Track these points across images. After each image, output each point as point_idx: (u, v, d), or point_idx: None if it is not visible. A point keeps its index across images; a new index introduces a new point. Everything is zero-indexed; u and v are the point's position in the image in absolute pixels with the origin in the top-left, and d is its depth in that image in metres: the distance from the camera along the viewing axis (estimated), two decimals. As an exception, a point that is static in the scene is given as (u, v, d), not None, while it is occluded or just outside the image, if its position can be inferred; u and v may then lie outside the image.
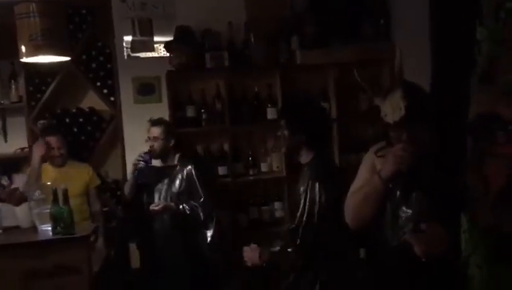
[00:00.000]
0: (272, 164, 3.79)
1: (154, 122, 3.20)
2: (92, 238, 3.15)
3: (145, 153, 3.17)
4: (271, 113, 3.70)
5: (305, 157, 2.37)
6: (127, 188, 3.26)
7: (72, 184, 3.11)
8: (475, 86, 0.91)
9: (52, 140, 3.31)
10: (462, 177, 0.93)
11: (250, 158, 3.75)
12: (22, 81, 3.65)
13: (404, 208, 1.74)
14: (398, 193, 1.75)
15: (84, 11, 3.71)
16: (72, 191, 3.10)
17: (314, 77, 3.79)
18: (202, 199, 3.07)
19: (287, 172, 3.67)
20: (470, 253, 0.97)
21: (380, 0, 3.70)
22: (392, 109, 1.70)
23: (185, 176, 3.14)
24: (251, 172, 3.72)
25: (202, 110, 3.65)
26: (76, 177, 3.35)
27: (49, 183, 2.94)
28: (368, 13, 3.65)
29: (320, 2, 3.64)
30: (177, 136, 3.26)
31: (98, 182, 3.49)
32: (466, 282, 0.97)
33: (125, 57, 3.74)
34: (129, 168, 3.37)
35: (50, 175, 3.26)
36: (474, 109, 0.92)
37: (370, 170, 1.82)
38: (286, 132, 2.36)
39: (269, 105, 3.70)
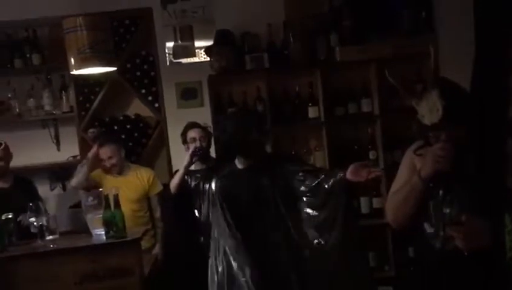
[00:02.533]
0: (315, 162, 3.77)
1: (192, 125, 3.25)
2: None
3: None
4: (312, 112, 3.70)
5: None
6: (173, 184, 3.22)
7: (129, 190, 3.22)
8: None
9: (102, 151, 3.36)
10: (503, 177, 0.91)
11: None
12: (72, 92, 3.82)
13: (446, 207, 1.71)
14: (440, 191, 1.73)
15: (127, 22, 3.84)
16: (129, 197, 3.23)
17: (355, 73, 3.75)
18: None
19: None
20: None
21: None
22: (429, 110, 1.67)
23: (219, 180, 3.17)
24: (295, 172, 3.72)
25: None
26: (135, 184, 3.36)
27: (101, 189, 3.06)
28: (408, 6, 3.57)
29: (357, -3, 3.59)
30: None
31: (159, 188, 3.46)
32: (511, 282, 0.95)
33: (168, 64, 3.84)
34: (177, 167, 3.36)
35: (109, 184, 3.30)
36: None
37: (410, 170, 1.80)
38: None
39: (310, 104, 3.70)
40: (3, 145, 3.19)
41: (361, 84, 3.74)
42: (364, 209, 3.75)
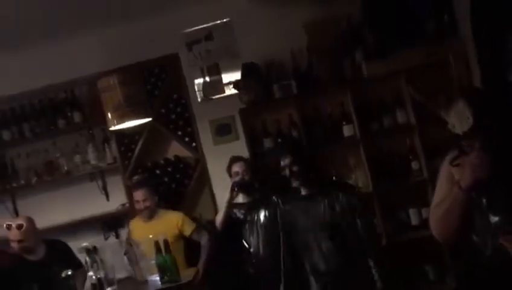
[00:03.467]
0: (358, 181, 3.74)
1: (236, 159, 3.33)
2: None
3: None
4: (347, 130, 3.68)
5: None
6: (218, 220, 3.30)
7: (160, 236, 3.21)
8: None
9: (137, 194, 3.50)
10: None
11: (334, 178, 3.74)
12: (113, 144, 3.98)
13: (492, 216, 1.66)
14: (483, 200, 1.68)
15: (157, 70, 3.99)
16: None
17: (385, 86, 3.72)
18: None
19: (373, 187, 3.62)
20: None
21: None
22: (459, 119, 1.65)
23: (271, 208, 3.20)
24: (337, 192, 3.70)
25: (279, 140, 3.73)
26: (165, 228, 3.39)
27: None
28: (430, 12, 3.53)
29: (375, 11, 3.59)
30: (260, 170, 3.36)
31: (192, 226, 3.56)
32: None
33: (199, 103, 3.94)
34: (220, 203, 3.42)
35: (139, 230, 3.44)
36: None
37: (449, 181, 1.76)
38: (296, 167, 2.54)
39: (344, 122, 3.69)
40: (24, 226, 3.13)
41: (393, 96, 3.71)
42: (414, 220, 3.67)
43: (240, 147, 3.69)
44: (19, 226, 3.11)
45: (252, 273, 3.16)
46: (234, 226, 3.29)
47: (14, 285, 2.48)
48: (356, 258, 2.53)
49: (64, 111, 4.01)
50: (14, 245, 3.13)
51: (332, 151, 3.76)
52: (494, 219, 1.67)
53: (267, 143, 3.75)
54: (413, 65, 3.43)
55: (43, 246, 3.19)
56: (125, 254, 3.50)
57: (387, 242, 3.55)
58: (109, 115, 3.18)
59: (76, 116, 3.99)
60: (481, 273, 1.78)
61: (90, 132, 4.04)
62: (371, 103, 3.72)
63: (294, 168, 2.58)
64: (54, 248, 3.24)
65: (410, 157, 3.67)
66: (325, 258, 2.57)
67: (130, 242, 3.48)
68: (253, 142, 3.74)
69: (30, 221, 3.19)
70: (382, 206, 3.64)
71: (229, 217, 3.29)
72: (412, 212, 3.68)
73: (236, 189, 3.18)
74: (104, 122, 3.60)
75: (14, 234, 3.11)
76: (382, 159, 3.66)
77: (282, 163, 2.64)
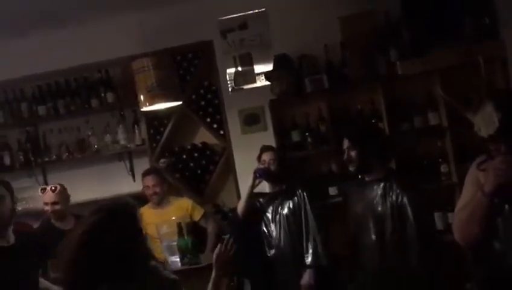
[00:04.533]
0: (383, 180, 3.69)
1: (267, 148, 3.35)
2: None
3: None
4: (377, 129, 3.64)
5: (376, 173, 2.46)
6: (240, 207, 3.32)
7: (170, 223, 3.28)
8: None
9: (146, 180, 3.55)
10: None
11: (359, 176, 3.70)
12: (143, 126, 4.05)
13: None
14: (506, 206, 1.67)
15: (190, 55, 4.03)
16: (172, 228, 3.27)
17: (418, 86, 3.66)
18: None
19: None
20: None
21: (483, -2, 3.47)
22: (485, 122, 1.65)
23: (296, 201, 3.22)
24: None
25: (307, 134, 3.72)
26: (174, 215, 3.41)
27: (173, 218, 3.20)
28: (471, 12, 3.44)
29: (414, 8, 3.52)
30: (287, 162, 3.36)
31: (201, 211, 3.61)
32: None
33: (230, 91, 3.97)
34: (243, 192, 3.44)
35: (148, 217, 3.37)
36: None
37: (474, 186, 1.75)
38: (353, 151, 2.46)
39: (374, 120, 3.65)
40: (58, 188, 3.24)
41: (426, 97, 3.64)
42: (439, 225, 3.61)
43: (268, 138, 3.69)
44: (54, 189, 3.24)
45: (272, 257, 3.19)
46: (257, 215, 3.31)
47: (43, 250, 2.58)
48: (398, 262, 2.41)
49: (98, 91, 4.10)
50: (48, 208, 3.24)
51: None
52: None
53: (295, 136, 3.75)
54: (448, 65, 3.36)
55: (73, 218, 3.26)
56: None
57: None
58: (141, 96, 3.24)
59: (109, 97, 4.07)
60: (503, 280, 1.75)
61: (122, 112, 4.12)
62: (403, 102, 3.66)
63: (352, 153, 2.54)
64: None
65: (440, 160, 3.61)
66: (367, 254, 2.52)
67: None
68: (280, 133, 3.74)
69: (63, 187, 3.32)
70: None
71: (252, 205, 3.31)
72: (437, 216, 3.61)
73: (257, 176, 3.20)
74: (136, 104, 3.68)
75: (49, 196, 3.23)
76: (411, 159, 3.61)
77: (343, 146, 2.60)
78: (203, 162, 4.02)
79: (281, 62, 3.74)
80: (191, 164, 4.00)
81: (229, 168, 3.98)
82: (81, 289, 1.63)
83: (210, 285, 2.03)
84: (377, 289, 2.49)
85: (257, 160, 3.36)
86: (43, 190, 3.26)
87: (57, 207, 3.24)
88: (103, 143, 4.12)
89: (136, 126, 4.10)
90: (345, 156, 2.58)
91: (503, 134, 1.63)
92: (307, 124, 3.76)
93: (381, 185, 2.48)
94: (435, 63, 3.46)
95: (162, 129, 4.06)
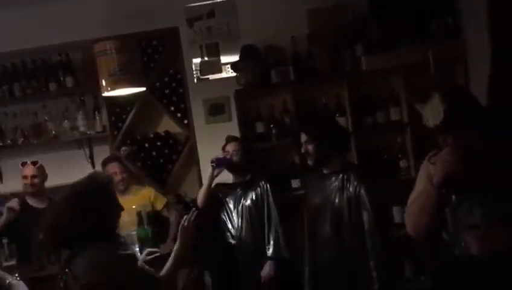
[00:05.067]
0: (345, 173, 3.74)
1: (232, 138, 3.32)
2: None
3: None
4: (340, 123, 3.66)
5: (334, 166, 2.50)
6: (200, 196, 3.30)
7: (130, 212, 3.19)
8: None
9: (111, 167, 3.51)
10: None
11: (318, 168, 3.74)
12: (104, 112, 3.94)
13: (462, 213, 1.70)
14: (453, 197, 1.71)
15: (155, 42, 3.94)
16: (132, 217, 3.23)
17: (383, 82, 3.72)
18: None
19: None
20: None
21: (447, -2, 3.55)
22: (432, 113, 1.69)
23: (258, 192, 3.22)
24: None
25: (271, 126, 3.72)
26: (135, 204, 3.39)
27: (134, 207, 3.14)
28: (436, 12, 3.52)
29: (381, 5, 3.57)
30: (252, 153, 3.35)
31: (163, 201, 3.62)
32: None
33: (195, 81, 3.91)
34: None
35: None
36: None
37: (426, 178, 1.79)
38: (311, 145, 2.49)
39: (338, 114, 3.68)
40: (39, 163, 3.40)
41: (389, 93, 3.71)
42: (397, 218, 3.69)
43: (232, 129, 3.66)
44: (34, 163, 3.40)
45: (233, 248, 3.18)
46: (219, 205, 3.30)
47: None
48: (355, 254, 2.44)
49: (57, 74, 3.95)
50: (27, 181, 3.35)
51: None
52: (465, 216, 1.70)
53: (259, 127, 3.73)
54: (412, 63, 3.42)
55: (47, 200, 3.33)
56: None
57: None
58: (103, 80, 3.14)
59: (69, 81, 3.93)
60: (452, 271, 1.81)
61: (82, 98, 3.99)
62: (367, 97, 3.71)
63: (310, 147, 2.55)
64: None
65: (400, 155, 3.68)
66: (323, 246, 2.54)
67: None
68: (245, 124, 3.72)
69: (41, 164, 3.46)
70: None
71: (214, 196, 3.29)
72: (396, 210, 3.69)
73: (214, 165, 3.18)
74: (97, 90, 3.58)
75: (29, 169, 3.37)
76: (372, 154, 3.66)
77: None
78: (166, 151, 3.95)
79: (247, 53, 3.72)
80: (154, 153, 3.93)
81: (192, 158, 3.93)
82: (64, 247, 1.84)
83: (172, 255, 2.11)
84: (332, 280, 2.52)
85: (222, 150, 3.34)
86: (24, 164, 3.37)
87: (36, 181, 3.36)
88: (61, 129, 3.98)
89: (96, 112, 3.98)
90: (303, 150, 2.60)
91: (449, 125, 1.66)
92: (272, 116, 3.76)
93: (339, 177, 2.51)
94: (399, 60, 3.51)
95: (124, 116, 3.97)
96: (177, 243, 2.13)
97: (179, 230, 2.14)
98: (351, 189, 2.47)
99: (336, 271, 2.50)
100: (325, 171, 2.59)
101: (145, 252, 2.30)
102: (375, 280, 2.36)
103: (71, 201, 1.86)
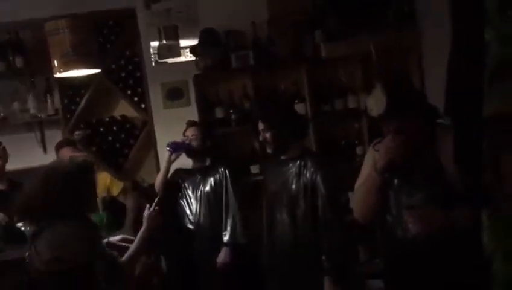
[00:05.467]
0: (303, 159, 3.78)
1: (192, 123, 3.28)
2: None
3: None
4: (299, 109, 3.68)
5: (292, 153, 2.52)
6: (157, 182, 3.26)
7: None
8: (487, 85, 0.92)
9: (66, 150, 3.40)
10: (480, 175, 0.94)
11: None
12: (56, 95, 3.79)
13: (403, 196, 1.80)
14: (395, 181, 1.81)
15: (111, 23, 3.82)
16: None
17: (342, 70, 3.76)
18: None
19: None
20: (493, 249, 0.98)
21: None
22: (375, 103, 1.77)
23: (217, 178, 3.20)
24: (283, 169, 3.73)
25: (231, 111, 3.69)
26: None
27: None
28: (392, 1, 3.58)
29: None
30: (213, 139, 3.32)
31: (120, 186, 3.54)
32: (491, 278, 0.98)
33: (153, 64, 3.82)
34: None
35: None
36: (488, 108, 0.93)
37: (371, 165, 1.88)
38: (268, 133, 2.50)
39: (297, 101, 3.70)
40: (2, 145, 3.28)
41: (347, 80, 3.76)
42: (352, 203, 3.77)
43: (191, 114, 3.61)
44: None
45: (191, 233, 3.16)
46: (178, 191, 3.26)
47: None
48: (311, 239, 2.46)
49: (6, 54, 3.76)
50: None
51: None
52: (405, 199, 1.80)
53: (219, 112, 3.70)
54: (370, 51, 3.47)
55: (7, 182, 3.26)
56: None
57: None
58: (55, 61, 3.01)
59: (19, 61, 3.75)
60: (396, 251, 1.91)
61: (32, 79, 3.82)
62: (325, 84, 3.75)
63: (268, 135, 2.54)
64: (16, 182, 3.26)
65: (357, 142, 3.76)
66: (280, 231, 2.56)
67: None
68: (204, 109, 3.67)
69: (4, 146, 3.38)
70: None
71: (173, 181, 3.25)
72: (351, 195, 3.77)
73: (169, 150, 3.14)
74: (48, 71, 3.42)
75: None
76: (330, 141, 3.72)
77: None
78: (122, 135, 3.87)
79: (207, 37, 3.66)
80: (109, 138, 3.84)
81: (150, 143, 3.86)
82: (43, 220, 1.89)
83: (136, 241, 2.14)
84: (289, 265, 2.54)
85: (182, 135, 3.29)
86: None
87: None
88: (10, 111, 3.80)
89: (48, 95, 3.83)
90: (261, 138, 2.60)
91: (391, 113, 1.75)
92: (231, 101, 3.73)
93: (297, 163, 2.53)
94: (358, 48, 3.56)
95: (77, 99, 3.84)
96: (143, 229, 2.15)
97: (146, 217, 2.16)
98: (307, 175, 2.49)
99: (292, 256, 2.52)
100: (282, 158, 2.60)
101: (119, 237, 2.29)
102: (329, 263, 2.40)
103: (50, 178, 1.92)
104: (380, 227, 1.96)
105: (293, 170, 2.53)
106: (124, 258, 2.05)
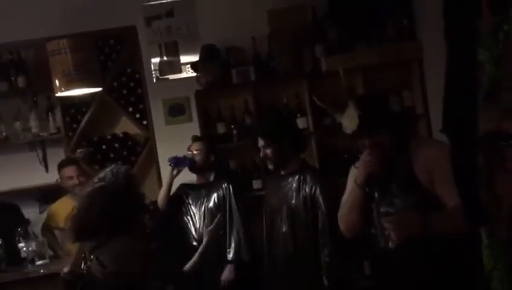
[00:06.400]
0: (306, 173, 3.76)
1: (197, 138, 3.28)
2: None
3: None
4: (301, 123, 3.68)
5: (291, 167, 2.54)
6: (160, 198, 3.24)
7: None
8: (482, 104, 0.92)
9: (68, 170, 3.37)
10: (477, 192, 0.93)
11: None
12: (58, 113, 3.80)
13: (384, 207, 1.86)
14: (376, 194, 1.89)
15: (112, 41, 3.84)
16: None
17: (342, 83, 3.74)
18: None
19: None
20: (492, 267, 0.97)
21: (403, 0, 3.62)
22: (349, 120, 1.89)
23: (221, 194, 3.18)
24: (286, 183, 3.71)
25: (232, 126, 3.69)
26: None
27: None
28: (391, 14, 3.59)
29: (340, 7, 3.61)
30: (217, 154, 3.31)
31: None
32: None
33: (154, 80, 3.83)
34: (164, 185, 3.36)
35: (68, 210, 3.30)
36: (481, 126, 0.93)
37: (353, 182, 1.96)
38: (269, 149, 2.51)
39: (298, 115, 3.70)
40: None
41: (349, 94, 3.73)
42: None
43: (192, 130, 3.61)
44: None
45: (195, 250, 3.12)
46: (182, 207, 3.24)
47: None
48: (310, 253, 2.47)
49: (9, 74, 3.77)
50: None
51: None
52: (385, 210, 1.85)
53: (220, 128, 3.70)
54: (370, 64, 3.48)
55: None
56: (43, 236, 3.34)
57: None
58: (56, 80, 3.03)
59: (21, 81, 3.76)
60: (381, 262, 1.98)
61: (34, 98, 3.83)
62: (326, 97, 3.73)
63: (268, 151, 2.55)
64: (5, 204, 3.27)
65: (358, 155, 3.72)
66: (280, 245, 2.56)
67: (48, 228, 3.35)
68: (206, 125, 3.67)
69: None
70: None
71: (176, 197, 3.24)
72: None
73: (171, 164, 3.13)
74: (50, 90, 3.44)
75: None
76: (332, 154, 3.70)
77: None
78: (125, 153, 3.85)
79: (208, 53, 3.67)
80: (112, 155, 3.82)
81: (152, 160, 3.85)
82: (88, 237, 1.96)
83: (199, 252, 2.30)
84: (288, 279, 2.53)
85: (187, 150, 3.29)
86: None
87: None
88: (12, 130, 3.80)
89: (50, 113, 3.83)
90: (261, 154, 2.61)
91: (364, 129, 1.86)
92: (233, 116, 3.73)
93: (296, 177, 2.54)
94: (358, 61, 3.56)
95: (79, 117, 3.83)
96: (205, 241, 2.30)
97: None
98: (306, 189, 2.50)
99: (291, 270, 2.52)
100: (282, 172, 2.60)
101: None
102: (328, 277, 2.40)
103: (98, 196, 1.97)
104: (365, 240, 2.03)
105: (293, 184, 2.54)
106: (186, 268, 2.17)
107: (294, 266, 2.50)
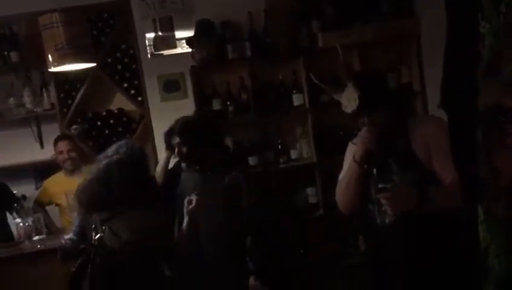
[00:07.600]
0: (302, 150, 3.77)
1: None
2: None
3: None
4: (297, 100, 3.67)
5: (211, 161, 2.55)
6: (157, 174, 3.15)
7: None
8: (482, 78, 0.91)
9: (61, 144, 3.40)
10: (476, 168, 0.93)
11: (279, 146, 3.75)
12: (52, 89, 3.76)
13: (380, 184, 1.86)
14: (374, 170, 1.89)
15: (105, 15, 3.77)
16: None
17: (338, 59, 3.72)
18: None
19: (317, 158, 3.66)
20: (488, 244, 0.98)
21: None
22: (348, 100, 1.91)
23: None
24: (281, 160, 3.72)
25: (228, 103, 3.67)
26: None
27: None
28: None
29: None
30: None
31: None
32: (485, 271, 0.98)
33: (149, 56, 3.78)
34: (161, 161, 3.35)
35: (60, 186, 3.33)
36: (481, 101, 0.93)
37: (351, 157, 1.98)
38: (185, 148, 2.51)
39: (294, 91, 3.68)
40: None
41: (346, 71, 3.70)
42: (311, 199, 3.74)
43: (188, 106, 3.58)
44: None
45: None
46: (177, 181, 3.23)
47: None
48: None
49: (1, 48, 3.73)
50: None
51: (281, 118, 3.75)
52: (382, 187, 1.86)
53: (216, 104, 3.67)
54: (367, 40, 3.45)
55: None
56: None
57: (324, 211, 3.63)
58: (49, 55, 2.98)
59: (14, 56, 3.72)
60: (374, 238, 2.03)
61: (28, 73, 3.79)
62: (323, 74, 3.70)
63: (183, 149, 2.54)
64: None
65: (355, 132, 3.72)
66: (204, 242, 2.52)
67: (40, 204, 3.35)
68: (201, 101, 3.65)
69: None
70: (323, 177, 3.70)
71: (175, 172, 3.23)
72: (309, 190, 3.75)
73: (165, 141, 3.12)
74: (44, 65, 3.40)
75: None
76: (328, 131, 3.70)
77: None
78: (120, 129, 3.84)
79: (203, 28, 3.62)
80: (106, 131, 3.81)
81: (147, 136, 3.83)
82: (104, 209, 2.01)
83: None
84: (212, 277, 2.49)
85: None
86: None
87: None
88: (6, 106, 3.77)
89: (44, 89, 3.80)
90: (176, 152, 2.59)
91: (363, 108, 1.89)
92: (229, 93, 3.70)
93: (218, 171, 2.54)
94: (355, 38, 3.53)
95: (74, 93, 3.80)
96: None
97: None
98: (226, 180, 2.51)
99: (214, 269, 2.48)
100: (200, 167, 2.59)
101: None
102: (251, 262, 2.45)
103: (115, 168, 2.02)
104: (362, 217, 2.05)
105: (214, 179, 2.53)
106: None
107: (217, 266, 2.49)
